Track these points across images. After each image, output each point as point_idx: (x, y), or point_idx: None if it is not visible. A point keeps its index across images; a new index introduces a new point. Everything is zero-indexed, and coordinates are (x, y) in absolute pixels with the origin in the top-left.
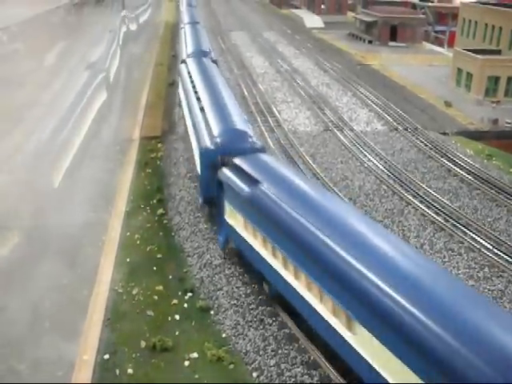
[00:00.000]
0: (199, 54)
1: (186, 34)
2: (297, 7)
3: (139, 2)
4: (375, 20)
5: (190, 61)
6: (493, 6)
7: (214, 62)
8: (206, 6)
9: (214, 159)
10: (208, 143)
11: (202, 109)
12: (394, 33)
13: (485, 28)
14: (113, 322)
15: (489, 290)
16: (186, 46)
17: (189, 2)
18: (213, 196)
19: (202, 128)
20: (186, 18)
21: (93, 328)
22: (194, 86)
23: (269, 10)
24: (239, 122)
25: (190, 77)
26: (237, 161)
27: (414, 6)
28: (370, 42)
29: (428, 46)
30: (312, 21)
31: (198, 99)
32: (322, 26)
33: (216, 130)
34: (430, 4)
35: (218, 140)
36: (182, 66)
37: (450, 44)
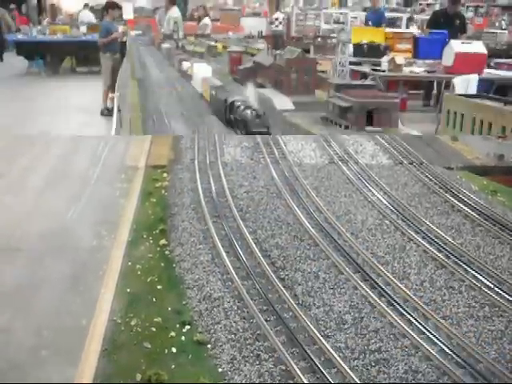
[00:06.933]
0: None
1: None
2: (261, 85)
3: None
4: (350, 105)
5: None
6: None
7: None
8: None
9: None
10: None
11: None
12: (369, 117)
13: None
14: (110, 353)
15: (488, 330)
16: None
17: None
18: None
19: None
20: None
21: (89, 358)
22: None
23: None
24: None
25: None
26: None
27: (364, 75)
28: (346, 127)
29: (404, 129)
30: (281, 102)
31: None
32: (292, 107)
33: None
34: (380, 73)
35: None
36: None
37: (402, 109)
